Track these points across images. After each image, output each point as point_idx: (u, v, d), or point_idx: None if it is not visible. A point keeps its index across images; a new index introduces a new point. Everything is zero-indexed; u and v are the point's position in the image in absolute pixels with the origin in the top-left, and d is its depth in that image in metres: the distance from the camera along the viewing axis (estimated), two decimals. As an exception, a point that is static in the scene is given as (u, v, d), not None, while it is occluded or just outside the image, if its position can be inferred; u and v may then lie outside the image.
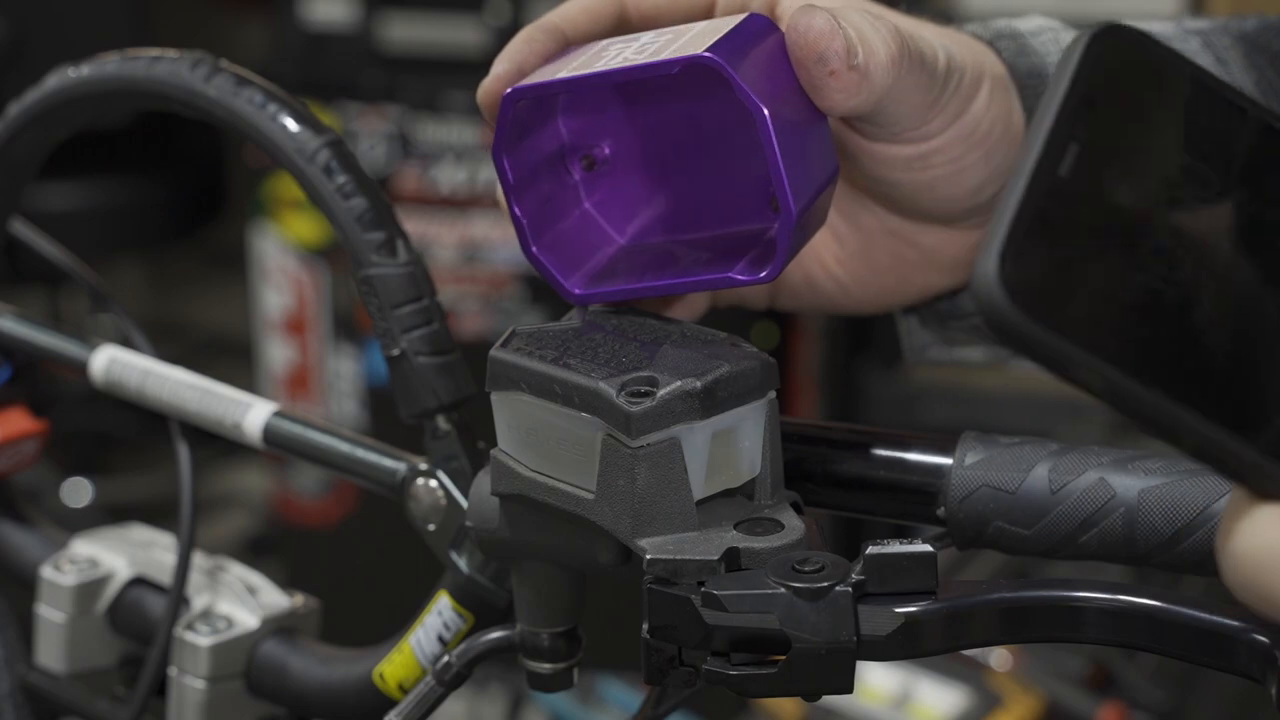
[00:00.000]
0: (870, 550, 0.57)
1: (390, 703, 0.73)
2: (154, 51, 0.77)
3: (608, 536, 0.61)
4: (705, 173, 0.69)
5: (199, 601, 0.80)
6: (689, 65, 0.61)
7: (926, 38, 0.66)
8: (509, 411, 0.63)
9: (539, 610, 0.68)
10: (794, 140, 0.62)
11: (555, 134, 0.69)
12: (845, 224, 0.74)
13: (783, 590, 0.56)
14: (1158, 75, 0.49)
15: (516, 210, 0.66)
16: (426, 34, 2.46)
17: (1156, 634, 0.56)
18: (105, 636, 0.84)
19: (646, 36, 0.65)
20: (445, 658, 0.69)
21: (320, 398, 2.56)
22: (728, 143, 0.68)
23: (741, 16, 0.64)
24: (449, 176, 2.46)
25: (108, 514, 2.78)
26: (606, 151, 0.70)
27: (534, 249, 0.67)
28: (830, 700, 1.64)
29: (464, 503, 0.72)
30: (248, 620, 0.79)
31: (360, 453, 0.75)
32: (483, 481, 0.66)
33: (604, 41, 0.67)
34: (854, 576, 0.57)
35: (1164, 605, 0.56)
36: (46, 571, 0.84)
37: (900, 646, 0.57)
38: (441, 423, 0.72)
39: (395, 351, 0.72)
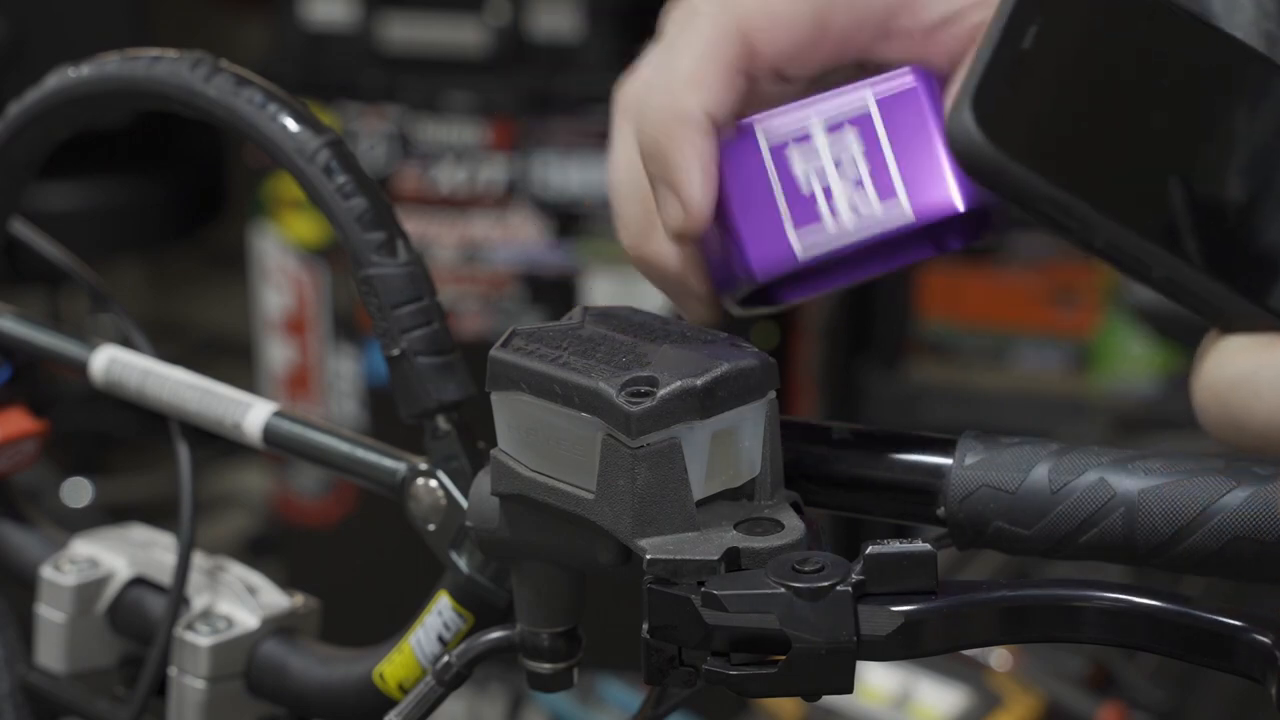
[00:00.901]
0: (870, 550, 0.57)
1: (390, 703, 0.73)
2: (154, 51, 0.77)
3: (608, 536, 0.61)
4: None
5: (199, 601, 0.80)
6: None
7: None
8: (509, 411, 0.63)
9: (539, 610, 0.68)
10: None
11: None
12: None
13: (783, 590, 0.56)
14: None
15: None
16: (426, 34, 2.46)
17: (1156, 634, 0.56)
18: (105, 636, 0.84)
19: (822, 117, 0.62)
20: (445, 658, 0.69)
21: (320, 398, 2.56)
22: None
23: (907, 82, 0.61)
24: (449, 176, 2.46)
25: (108, 514, 2.77)
26: None
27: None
28: (830, 700, 1.64)
29: (464, 503, 0.72)
30: (248, 620, 0.79)
31: (360, 453, 0.75)
32: (483, 481, 0.66)
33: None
34: (854, 576, 0.57)
35: (1164, 605, 0.56)
36: (46, 571, 0.84)
37: (900, 646, 0.57)
38: (441, 423, 0.72)
39: (395, 351, 0.72)
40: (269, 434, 0.77)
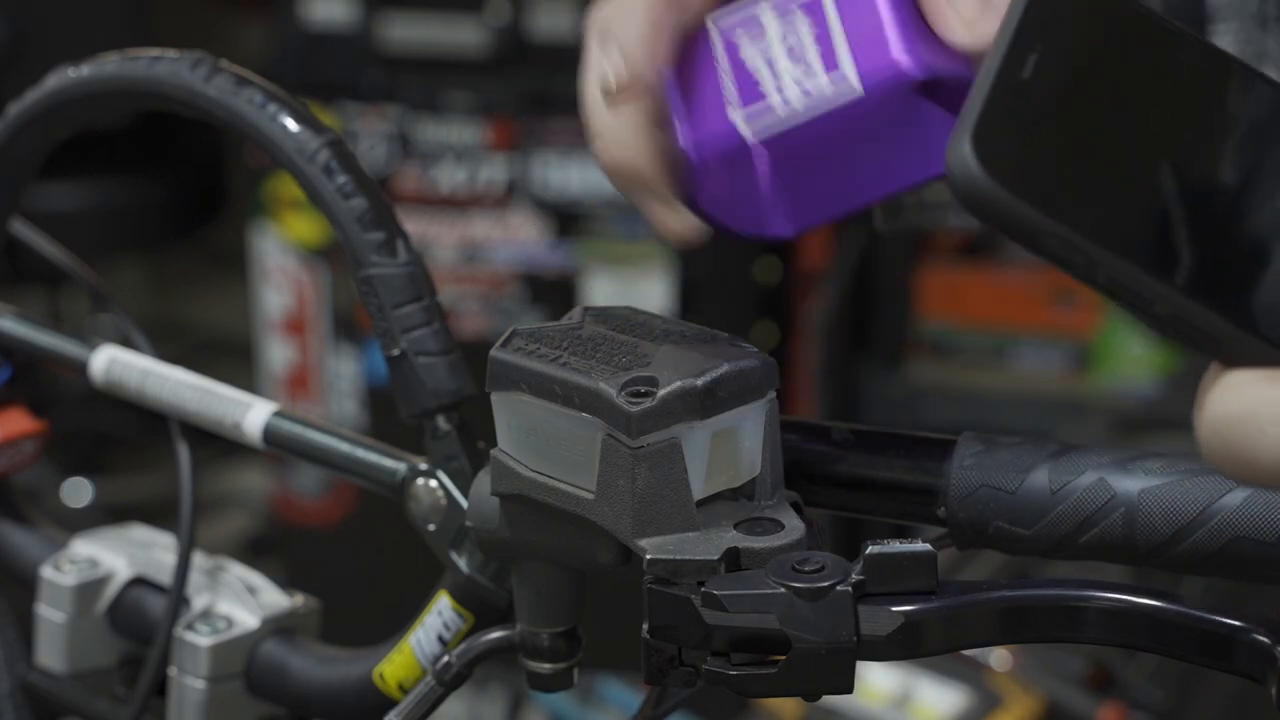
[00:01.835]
0: (870, 550, 0.57)
1: (390, 703, 0.73)
2: (154, 51, 0.77)
3: (608, 536, 0.61)
4: None
5: (199, 601, 0.80)
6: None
7: None
8: (509, 411, 0.63)
9: (539, 610, 0.68)
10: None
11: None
12: None
13: (783, 590, 0.56)
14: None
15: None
16: (426, 34, 2.46)
17: (1156, 634, 0.56)
18: (105, 636, 0.84)
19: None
20: (445, 658, 0.69)
21: (320, 398, 2.56)
22: None
23: None
24: (449, 176, 2.46)
25: (108, 514, 2.77)
26: None
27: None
28: (830, 700, 1.64)
29: (464, 503, 0.72)
30: (248, 620, 0.79)
31: (360, 453, 0.75)
32: (483, 481, 0.66)
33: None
34: (854, 576, 0.57)
35: (1164, 605, 0.56)
36: (46, 571, 0.84)
37: (900, 646, 0.57)
38: (441, 423, 0.72)
39: (395, 351, 0.72)
40: (269, 434, 0.77)
